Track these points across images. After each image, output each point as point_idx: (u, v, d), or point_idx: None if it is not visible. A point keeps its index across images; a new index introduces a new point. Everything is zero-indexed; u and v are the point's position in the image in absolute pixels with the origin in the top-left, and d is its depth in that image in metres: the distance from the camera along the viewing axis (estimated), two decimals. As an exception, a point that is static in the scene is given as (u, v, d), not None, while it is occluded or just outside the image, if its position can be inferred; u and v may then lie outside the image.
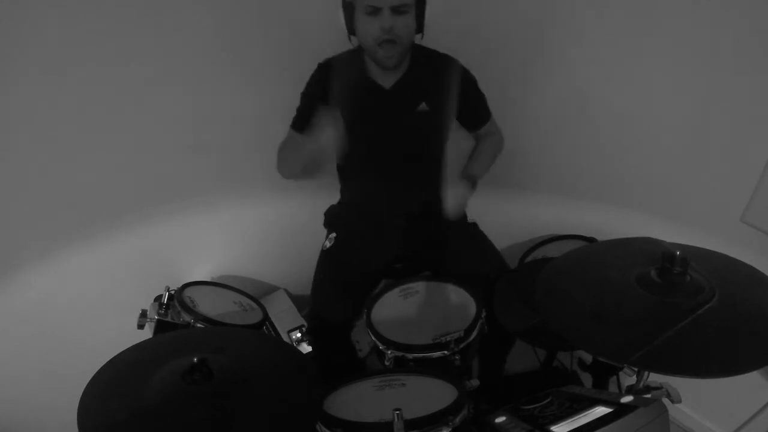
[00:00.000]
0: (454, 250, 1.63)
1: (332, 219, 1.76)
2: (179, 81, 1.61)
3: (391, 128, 1.57)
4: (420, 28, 1.44)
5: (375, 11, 1.36)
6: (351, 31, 1.45)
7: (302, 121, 1.56)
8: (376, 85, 1.54)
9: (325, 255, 1.69)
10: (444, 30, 1.50)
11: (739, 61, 1.41)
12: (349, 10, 1.42)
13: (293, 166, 1.55)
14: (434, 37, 1.50)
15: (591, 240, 1.76)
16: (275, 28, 1.66)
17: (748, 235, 1.47)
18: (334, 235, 1.71)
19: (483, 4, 1.71)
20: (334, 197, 1.78)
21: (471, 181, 1.57)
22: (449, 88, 1.55)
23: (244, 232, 1.97)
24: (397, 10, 1.36)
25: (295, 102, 1.55)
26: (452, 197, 1.49)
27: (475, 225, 1.72)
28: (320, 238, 1.76)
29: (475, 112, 1.66)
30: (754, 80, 1.39)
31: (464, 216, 1.69)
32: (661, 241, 1.14)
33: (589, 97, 1.73)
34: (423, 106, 1.55)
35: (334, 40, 1.50)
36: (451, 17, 1.36)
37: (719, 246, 1.15)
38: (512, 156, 1.81)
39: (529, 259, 1.85)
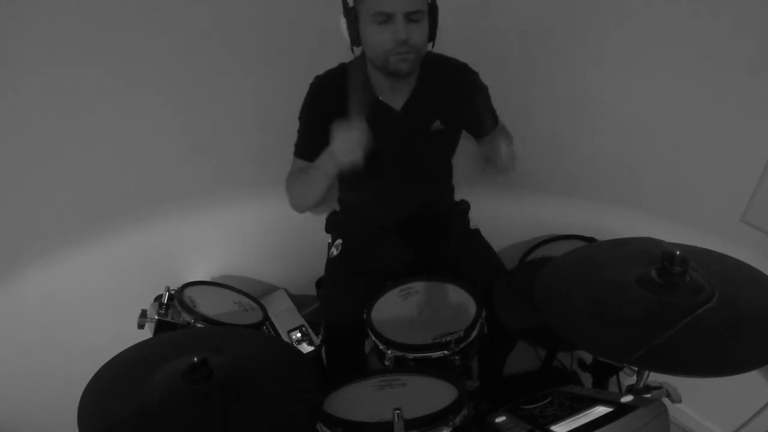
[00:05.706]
0: (456, 257, 1.60)
1: (334, 225, 1.73)
2: (179, 81, 1.61)
3: (402, 150, 1.49)
4: (432, 36, 1.33)
5: (387, 19, 1.23)
6: (355, 41, 1.31)
7: (311, 149, 1.43)
8: (385, 106, 1.45)
9: (334, 262, 1.65)
10: (448, 31, 1.49)
11: (739, 60, 1.41)
12: (352, 17, 1.28)
13: (313, 197, 1.44)
14: (439, 39, 1.46)
15: (591, 240, 1.76)
16: (275, 28, 1.65)
17: (748, 235, 1.47)
18: (340, 241, 1.67)
19: (486, 6, 1.71)
20: (333, 197, 1.78)
21: (504, 133, 1.52)
22: (463, 100, 1.47)
23: (244, 232, 1.97)
24: (410, 18, 1.23)
25: (295, 102, 1.55)
26: (501, 149, 1.36)
27: (477, 231, 1.70)
28: (320, 238, 1.76)
29: (486, 121, 1.57)
30: (753, 80, 1.39)
31: (467, 222, 1.67)
32: (661, 241, 1.14)
33: (590, 98, 1.73)
34: (437, 124, 1.47)
35: (334, 41, 1.50)
36: (454, 19, 1.34)
37: (719, 246, 1.15)
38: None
39: (529, 259, 1.85)
